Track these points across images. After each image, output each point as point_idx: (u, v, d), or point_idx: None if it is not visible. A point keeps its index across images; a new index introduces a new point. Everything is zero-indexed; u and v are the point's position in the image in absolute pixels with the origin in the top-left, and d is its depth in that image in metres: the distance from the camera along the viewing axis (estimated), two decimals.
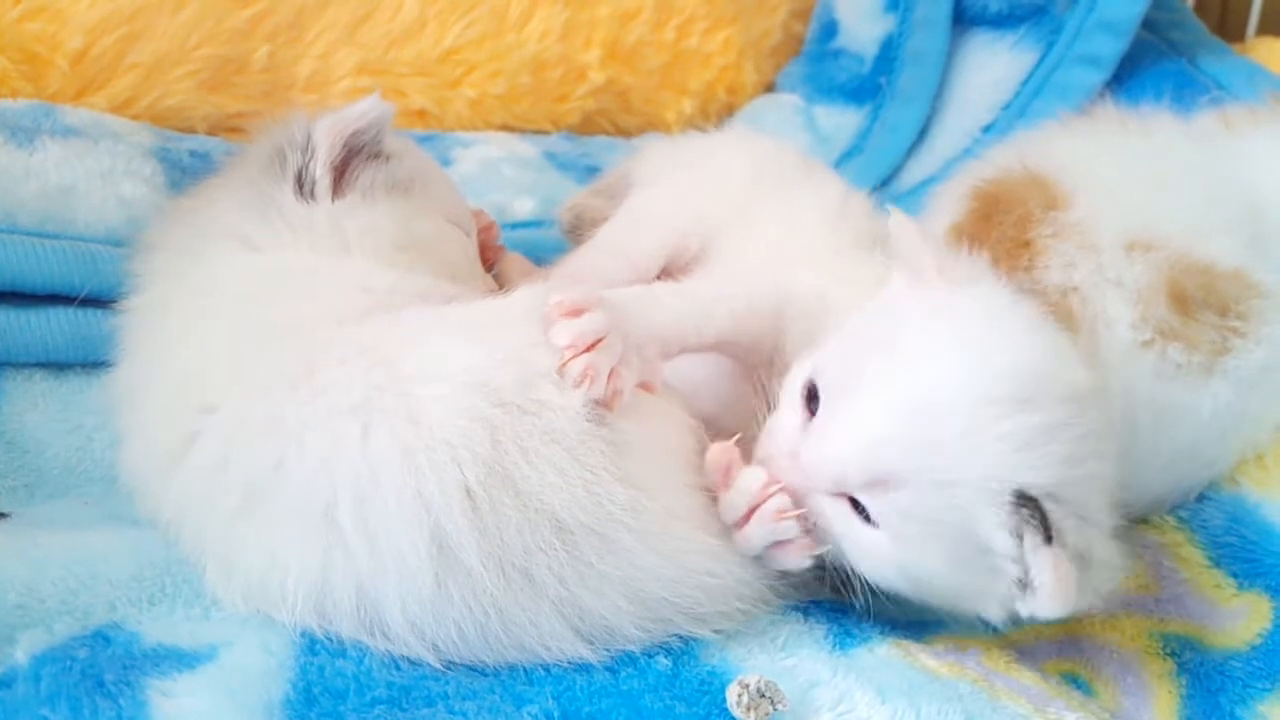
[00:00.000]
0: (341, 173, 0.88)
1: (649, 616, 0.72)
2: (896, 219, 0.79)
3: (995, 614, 0.75)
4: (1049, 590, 0.70)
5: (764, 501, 0.74)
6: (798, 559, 0.76)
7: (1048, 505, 0.70)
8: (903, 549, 0.72)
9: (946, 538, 0.71)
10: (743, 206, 0.99)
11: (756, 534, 0.75)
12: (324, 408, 0.72)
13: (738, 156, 1.06)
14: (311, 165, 0.86)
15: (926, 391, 0.70)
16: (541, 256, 1.15)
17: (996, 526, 0.70)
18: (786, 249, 0.95)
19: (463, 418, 0.71)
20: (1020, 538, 0.70)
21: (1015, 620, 0.75)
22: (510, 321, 0.77)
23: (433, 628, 0.70)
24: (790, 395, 0.78)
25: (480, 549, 0.69)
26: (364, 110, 0.88)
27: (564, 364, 0.73)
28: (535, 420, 0.71)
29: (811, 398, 0.76)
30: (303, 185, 0.86)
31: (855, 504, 0.74)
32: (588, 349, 0.73)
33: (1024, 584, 0.72)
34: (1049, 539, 0.69)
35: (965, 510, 0.70)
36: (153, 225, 0.92)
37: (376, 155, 0.90)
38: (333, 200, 0.86)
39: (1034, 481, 0.70)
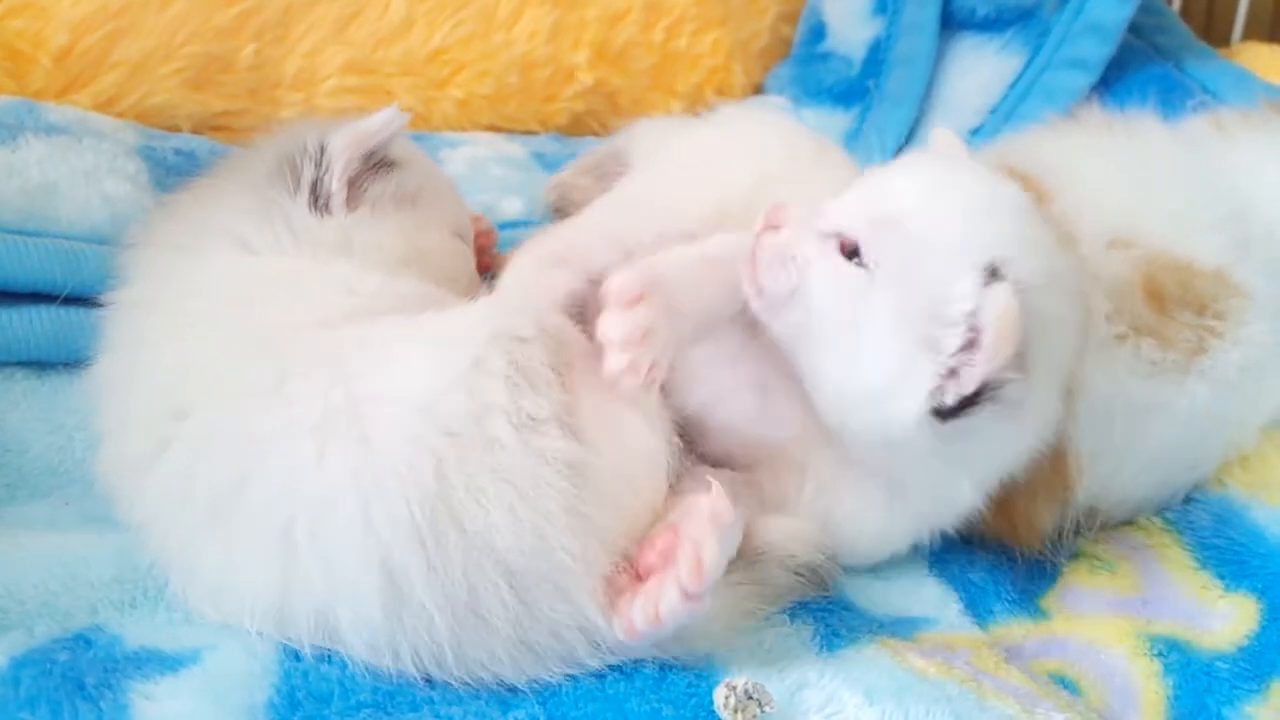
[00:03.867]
0: (353, 185, 0.86)
1: (613, 652, 0.70)
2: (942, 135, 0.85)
3: (910, 408, 0.75)
4: (994, 334, 0.72)
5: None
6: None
7: (1017, 287, 0.74)
8: (870, 291, 0.76)
9: (909, 289, 0.75)
10: (759, 192, 0.95)
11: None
12: (286, 423, 0.70)
13: (762, 140, 1.03)
14: (327, 178, 0.84)
15: (949, 173, 0.80)
16: None
17: (960, 278, 0.74)
18: None
19: (409, 446, 0.68)
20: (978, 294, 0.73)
21: (931, 421, 0.75)
22: (462, 338, 0.73)
23: (389, 654, 0.68)
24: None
25: (428, 584, 0.67)
26: (382, 124, 0.86)
27: (607, 363, 0.71)
28: (485, 456, 0.68)
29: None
30: (318, 198, 0.84)
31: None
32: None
33: (954, 368, 0.73)
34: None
35: (940, 265, 0.74)
36: (144, 221, 0.90)
37: (385, 165, 0.88)
38: (346, 214, 0.85)
39: (1012, 263, 0.74)
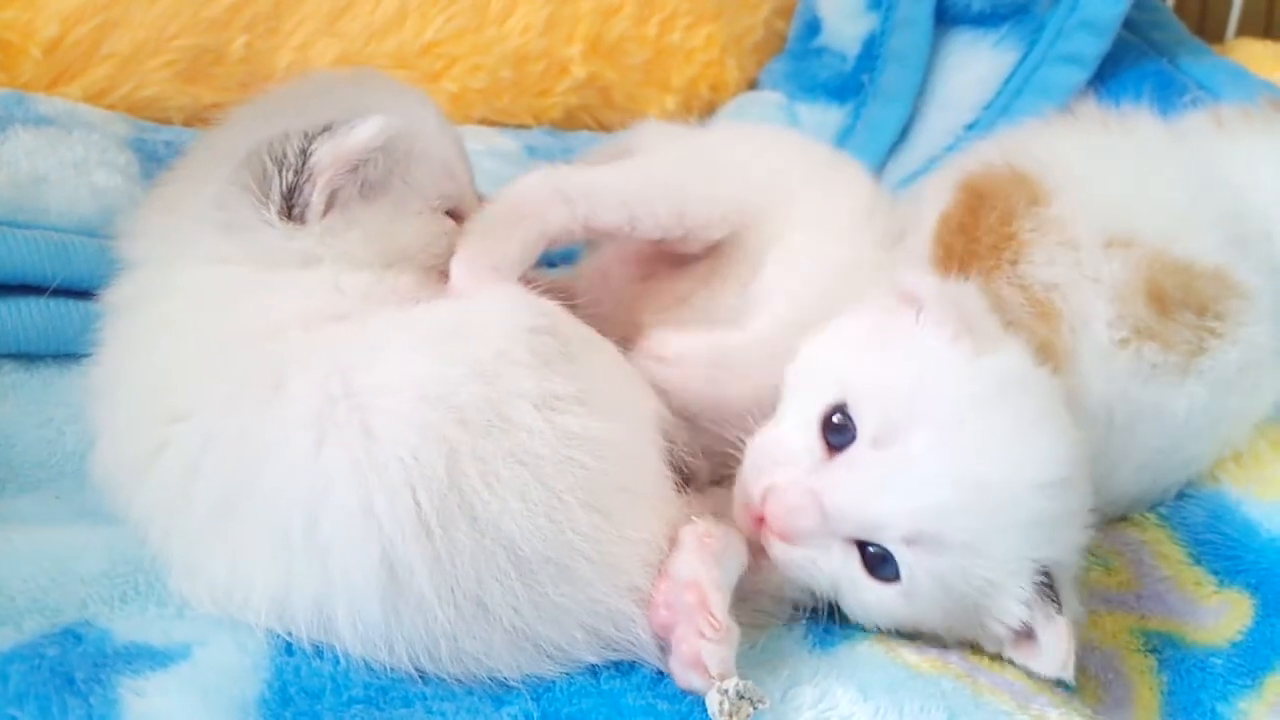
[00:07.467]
0: (331, 196, 0.80)
1: (606, 646, 0.70)
2: (911, 278, 0.80)
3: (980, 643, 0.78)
4: (1056, 657, 0.74)
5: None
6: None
7: (1058, 575, 0.75)
8: (911, 605, 0.74)
9: (955, 596, 0.74)
10: (772, 189, 0.95)
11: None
12: (287, 420, 0.70)
13: (779, 141, 1.04)
14: (308, 189, 0.78)
15: (983, 468, 0.73)
16: None
17: (1012, 597, 0.74)
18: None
19: (417, 435, 0.67)
20: (1031, 607, 0.74)
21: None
22: (477, 332, 0.72)
23: (384, 647, 0.68)
24: (805, 416, 0.76)
25: (432, 575, 0.66)
26: (374, 135, 0.78)
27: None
28: (502, 441, 0.68)
29: (830, 428, 0.75)
30: (292, 207, 0.78)
31: (863, 554, 0.74)
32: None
33: (1017, 636, 0.76)
34: (1059, 609, 0.74)
35: (986, 578, 0.73)
36: (127, 220, 0.89)
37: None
38: (321, 220, 0.79)
39: (1055, 558, 0.75)
